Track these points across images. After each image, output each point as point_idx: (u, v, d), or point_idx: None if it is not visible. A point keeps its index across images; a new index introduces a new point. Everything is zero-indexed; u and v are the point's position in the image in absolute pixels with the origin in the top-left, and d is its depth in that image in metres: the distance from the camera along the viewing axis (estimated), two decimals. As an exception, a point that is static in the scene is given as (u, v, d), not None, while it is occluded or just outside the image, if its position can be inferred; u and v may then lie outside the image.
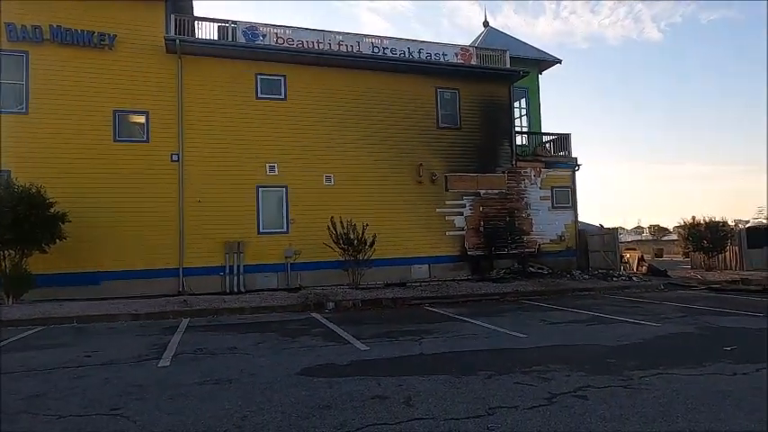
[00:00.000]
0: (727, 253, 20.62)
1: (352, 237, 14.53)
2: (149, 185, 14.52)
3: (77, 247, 13.35)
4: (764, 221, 42.12)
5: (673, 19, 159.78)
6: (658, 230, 67.10)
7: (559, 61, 22.23)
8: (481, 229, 17.88)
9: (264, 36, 16.13)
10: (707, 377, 5.55)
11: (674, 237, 32.19)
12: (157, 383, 5.70)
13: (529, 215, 18.75)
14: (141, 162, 14.55)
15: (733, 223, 24.67)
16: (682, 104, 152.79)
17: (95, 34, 14.30)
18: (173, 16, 15.11)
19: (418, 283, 15.85)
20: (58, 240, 12.55)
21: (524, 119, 21.88)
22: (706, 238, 20.03)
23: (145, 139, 14.78)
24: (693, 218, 20.84)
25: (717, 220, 20.49)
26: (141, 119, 14.82)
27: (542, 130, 21.48)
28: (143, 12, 14.93)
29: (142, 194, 14.40)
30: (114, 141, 14.46)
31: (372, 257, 14.73)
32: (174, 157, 14.84)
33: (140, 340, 8.51)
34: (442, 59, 17.91)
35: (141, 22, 14.88)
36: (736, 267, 20.31)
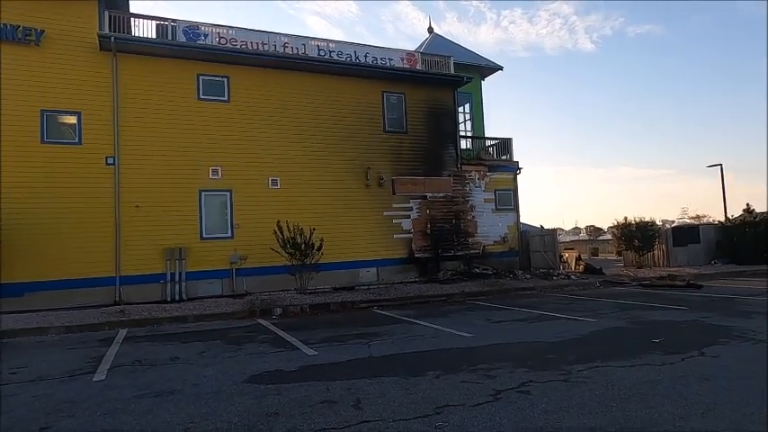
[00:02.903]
0: (656, 251, 22.01)
1: (299, 241, 14.36)
2: (82, 190, 13.73)
3: None
4: (688, 221, 45.30)
5: (604, 31, 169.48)
6: (594, 231, 70.48)
7: (501, 68, 22.97)
8: (428, 231, 18.15)
9: (206, 36, 15.67)
10: (638, 368, 5.89)
11: (609, 236, 33.95)
12: (92, 398, 5.39)
13: (474, 217, 19.23)
14: (73, 165, 13.74)
15: (660, 223, 26.37)
16: (613, 112, 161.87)
17: (20, 29, 13.39)
18: (107, 12, 14.38)
19: (366, 287, 15.89)
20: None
21: (468, 123, 22.42)
22: (637, 237, 21.31)
23: (77, 140, 13.97)
24: (625, 218, 22.15)
25: (646, 220, 21.86)
26: (72, 119, 14.01)
27: (485, 135, 22.11)
28: (74, 7, 14.13)
29: (74, 199, 13.60)
30: (42, 143, 13.58)
31: (320, 261, 14.63)
32: (110, 161, 14.12)
33: (73, 354, 8.02)
34: (388, 64, 18.08)
35: (72, 18, 14.07)
36: (663, 264, 21.70)
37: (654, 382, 5.26)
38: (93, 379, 6.28)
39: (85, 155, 13.93)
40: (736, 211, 24.82)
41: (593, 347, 7.19)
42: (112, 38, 13.91)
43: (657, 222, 23.52)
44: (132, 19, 15.13)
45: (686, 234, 22.92)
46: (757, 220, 22.37)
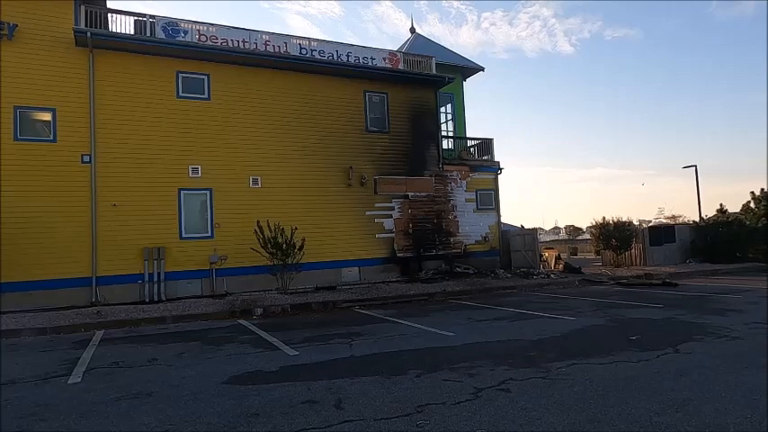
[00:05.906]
0: (633, 250, 22.43)
1: (280, 241, 14.26)
2: (57, 188, 13.41)
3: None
4: (664, 221, 46.26)
5: (582, 35, 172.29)
6: (573, 230, 71.48)
7: (482, 69, 23.12)
8: (410, 231, 18.19)
9: (186, 33, 15.44)
10: (616, 365, 5.99)
11: (588, 236, 34.47)
12: (67, 402, 5.27)
13: (455, 217, 19.33)
14: (47, 163, 13.42)
15: (637, 223, 26.88)
16: (591, 113, 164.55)
17: (-8, 23, 13.02)
18: (83, 7, 14.08)
19: (348, 286, 15.86)
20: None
21: (450, 123, 22.53)
22: (615, 237, 21.68)
23: (51, 138, 13.65)
24: (604, 218, 22.51)
25: (624, 220, 22.26)
26: (47, 116, 13.67)
27: (467, 135, 22.25)
28: (49, 1, 13.79)
29: (48, 198, 13.27)
30: (15, 141, 13.23)
31: (302, 261, 14.55)
32: (86, 158, 13.82)
33: (47, 356, 7.84)
34: (370, 63, 18.05)
35: (47, 12, 13.73)
36: (640, 263, 22.12)
37: (630, 379, 5.36)
38: (69, 381, 6.14)
39: (60, 152, 13.61)
40: (710, 212, 25.45)
41: (572, 345, 7.29)
42: (89, 33, 13.60)
43: (634, 222, 24.01)
44: (110, 14, 14.81)
45: (662, 234, 23.40)
46: (730, 220, 22.99)
